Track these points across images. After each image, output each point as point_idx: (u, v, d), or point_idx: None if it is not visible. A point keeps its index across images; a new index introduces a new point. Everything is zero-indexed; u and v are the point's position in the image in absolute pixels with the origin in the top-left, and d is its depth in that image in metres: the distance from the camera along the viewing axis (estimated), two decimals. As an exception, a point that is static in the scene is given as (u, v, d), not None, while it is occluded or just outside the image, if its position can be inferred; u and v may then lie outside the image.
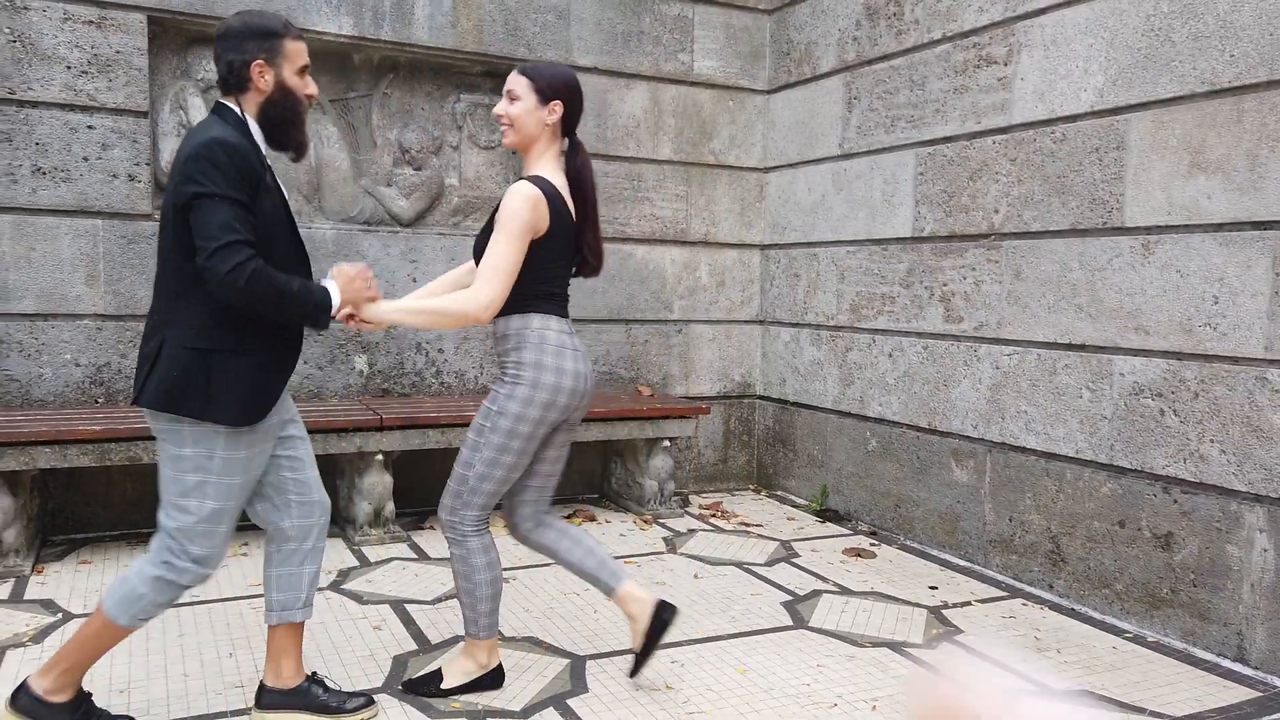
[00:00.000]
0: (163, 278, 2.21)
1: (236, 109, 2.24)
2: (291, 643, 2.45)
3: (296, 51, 2.29)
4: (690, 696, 2.70)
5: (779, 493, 5.32)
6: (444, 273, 4.60)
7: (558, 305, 2.53)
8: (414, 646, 2.98)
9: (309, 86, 2.32)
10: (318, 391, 4.42)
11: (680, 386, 5.25)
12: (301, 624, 2.46)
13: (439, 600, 3.40)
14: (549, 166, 2.53)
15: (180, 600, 3.31)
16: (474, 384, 4.75)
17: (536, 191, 2.41)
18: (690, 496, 5.17)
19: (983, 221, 4.03)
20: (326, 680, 2.61)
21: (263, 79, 2.24)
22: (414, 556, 3.91)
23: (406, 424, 4.00)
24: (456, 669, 2.66)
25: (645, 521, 4.54)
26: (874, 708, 2.67)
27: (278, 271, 2.15)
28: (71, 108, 3.89)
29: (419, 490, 4.64)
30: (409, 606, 3.33)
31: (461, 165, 4.81)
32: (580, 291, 4.92)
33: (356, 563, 3.81)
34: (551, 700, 2.64)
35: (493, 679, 2.68)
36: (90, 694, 2.35)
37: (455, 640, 3.04)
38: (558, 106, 2.49)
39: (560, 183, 2.51)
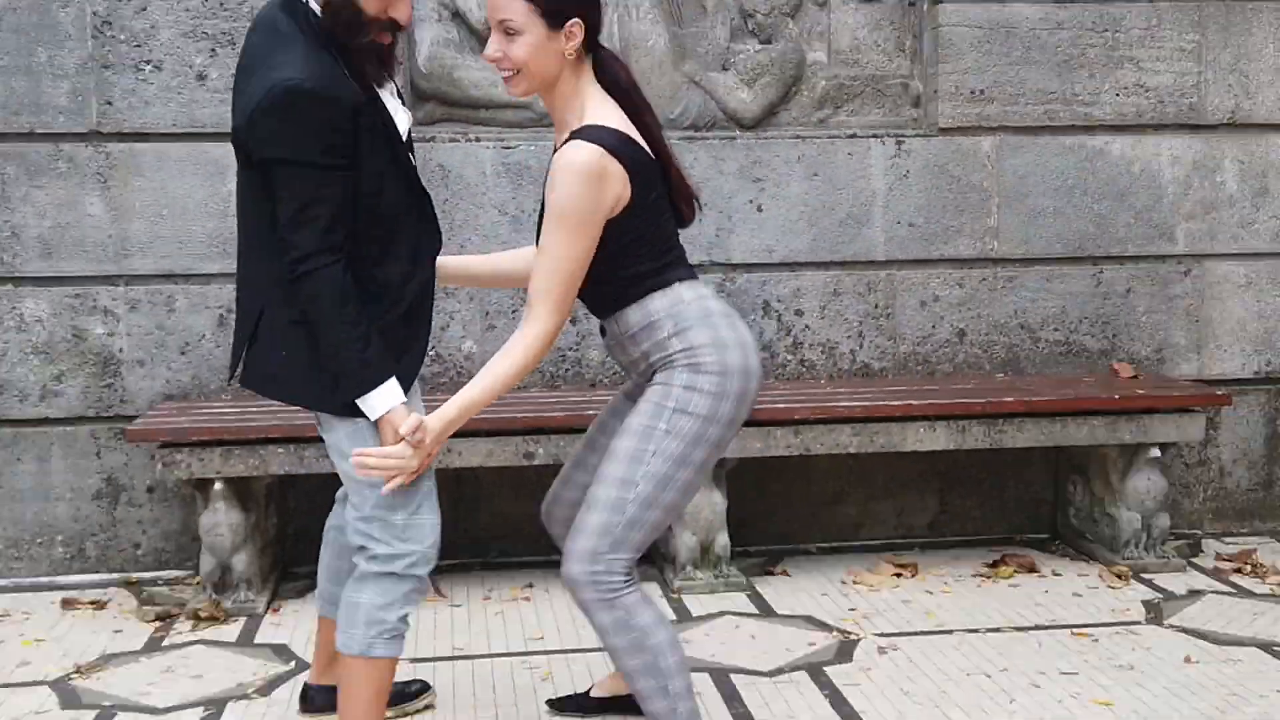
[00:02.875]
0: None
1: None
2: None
3: None
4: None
5: (1365, 539, 5.32)
6: (790, 192, 5.13)
7: (688, 264, 2.99)
8: (736, 732, 3.56)
9: None
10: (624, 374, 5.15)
11: (1188, 363, 5.39)
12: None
13: (778, 672, 3.93)
14: (595, 103, 2.83)
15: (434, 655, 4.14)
16: (848, 362, 5.25)
17: (599, 159, 2.71)
18: (1203, 541, 5.30)
19: None
20: None
21: None
22: (753, 611, 4.49)
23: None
24: None
25: (1118, 575, 4.76)
26: None
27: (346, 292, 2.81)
28: None
29: (771, 519, 5.23)
30: (736, 678, 3.88)
31: (831, 29, 5.26)
32: (1018, 217, 5.25)
33: (674, 615, 4.45)
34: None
35: None
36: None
37: (802, 727, 3.58)
38: (576, 27, 2.74)
39: (619, 120, 2.82)
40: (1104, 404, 4.77)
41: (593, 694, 3.61)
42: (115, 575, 4.98)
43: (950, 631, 4.30)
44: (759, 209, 5.19)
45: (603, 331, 3.09)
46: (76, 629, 4.43)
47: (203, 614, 4.48)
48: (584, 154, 2.71)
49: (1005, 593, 4.71)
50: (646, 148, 2.88)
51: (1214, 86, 5.33)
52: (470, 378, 4.98)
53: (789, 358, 5.25)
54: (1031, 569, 4.94)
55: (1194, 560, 5.06)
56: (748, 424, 4.53)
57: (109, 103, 4.86)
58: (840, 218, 5.23)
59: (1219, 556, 5.10)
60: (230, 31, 4.86)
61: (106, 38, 4.83)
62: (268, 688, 3.88)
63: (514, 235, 5.05)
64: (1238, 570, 4.92)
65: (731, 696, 3.77)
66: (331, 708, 3.25)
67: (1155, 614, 4.43)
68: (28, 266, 4.87)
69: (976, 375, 5.28)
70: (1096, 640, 4.19)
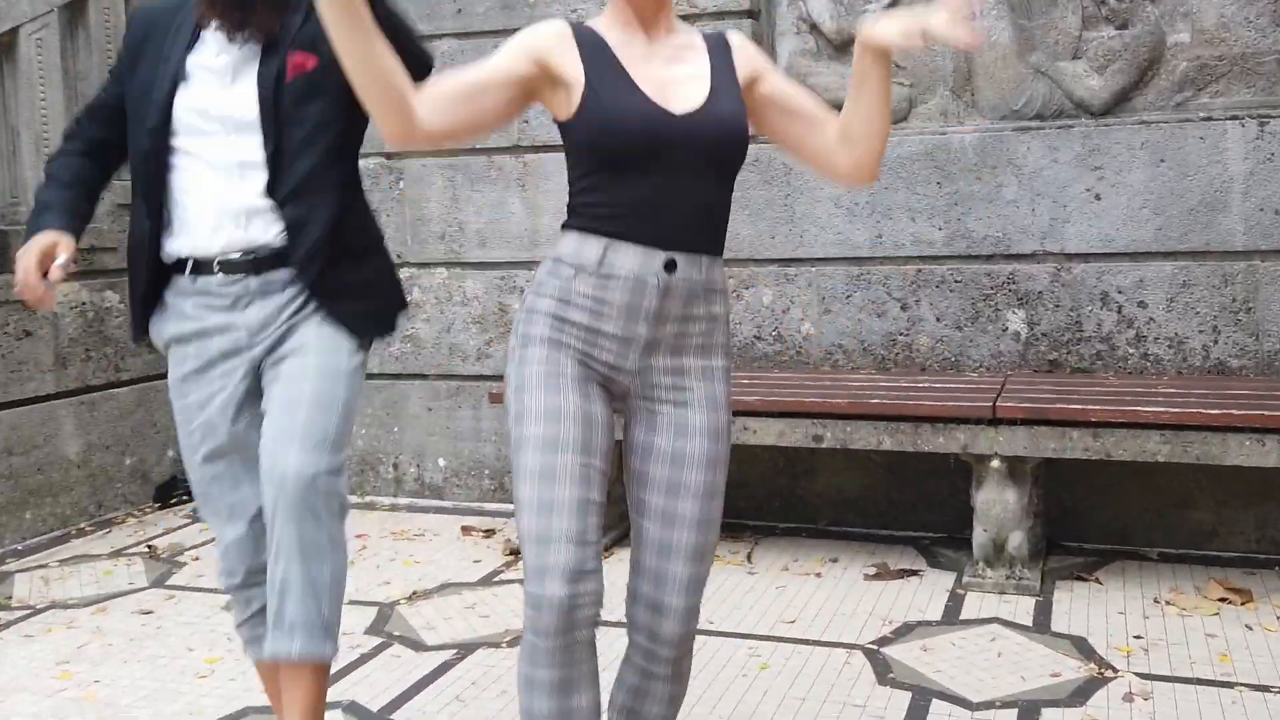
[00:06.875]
0: None
1: None
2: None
3: None
4: None
5: None
6: (1132, 179, 3.31)
7: None
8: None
9: None
10: (955, 360, 3.55)
11: None
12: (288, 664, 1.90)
13: (986, 706, 2.34)
14: None
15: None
16: (1199, 358, 3.30)
17: None
18: None
19: None
20: None
21: None
22: (1025, 624, 2.81)
23: (1035, 417, 2.90)
24: None
25: None
26: None
27: (65, 171, 1.97)
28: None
29: (1103, 515, 3.42)
30: (936, 703, 2.37)
31: (1196, 8, 3.35)
32: None
33: (939, 615, 2.89)
34: None
35: None
36: None
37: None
38: None
39: None
40: None
41: None
42: (509, 506, 4.18)
43: (1231, 685, 2.44)
44: (1097, 197, 3.38)
45: (670, 267, 1.65)
46: (444, 552, 3.72)
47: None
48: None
49: (1354, 642, 2.64)
50: None
51: None
52: (806, 358, 3.64)
53: (1130, 351, 3.39)
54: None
55: None
56: (1042, 422, 2.94)
57: (526, 121, 4.00)
58: (1190, 205, 3.28)
59: None
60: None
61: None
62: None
63: (848, 226, 3.64)
64: None
65: (919, 723, 2.27)
66: None
67: None
68: (469, 255, 4.20)
69: (1361, 382, 3.13)
70: None
